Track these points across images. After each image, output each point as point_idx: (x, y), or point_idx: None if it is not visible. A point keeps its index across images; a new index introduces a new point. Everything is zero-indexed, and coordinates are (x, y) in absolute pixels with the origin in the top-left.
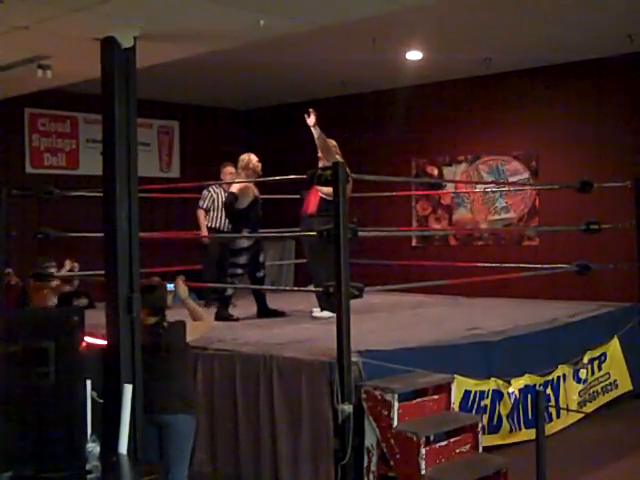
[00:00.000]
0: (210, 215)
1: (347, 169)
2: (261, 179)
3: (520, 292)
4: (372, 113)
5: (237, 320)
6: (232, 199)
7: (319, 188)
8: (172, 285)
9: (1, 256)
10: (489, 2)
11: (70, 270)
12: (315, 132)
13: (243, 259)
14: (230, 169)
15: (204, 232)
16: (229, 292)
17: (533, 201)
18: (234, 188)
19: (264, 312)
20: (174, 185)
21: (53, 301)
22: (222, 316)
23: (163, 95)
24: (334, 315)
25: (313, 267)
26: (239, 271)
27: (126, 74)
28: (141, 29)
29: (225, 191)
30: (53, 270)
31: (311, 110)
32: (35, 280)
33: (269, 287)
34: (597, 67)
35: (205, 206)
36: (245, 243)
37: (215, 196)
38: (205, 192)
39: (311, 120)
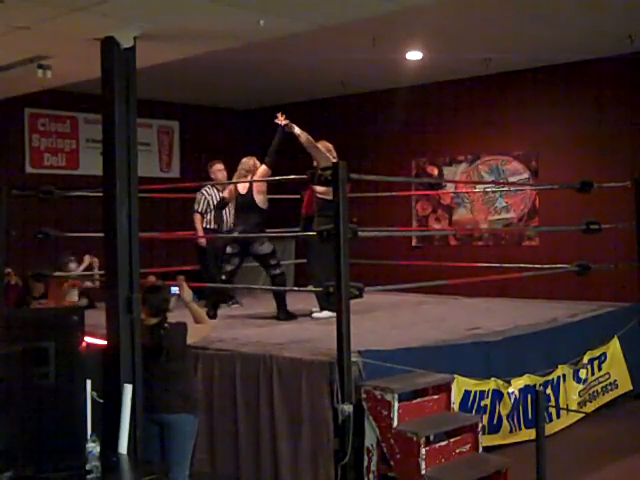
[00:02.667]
0: (207, 217)
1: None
2: (261, 179)
3: (520, 292)
4: (372, 113)
5: (296, 318)
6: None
7: (315, 188)
8: (176, 288)
9: (1, 256)
10: (489, 2)
11: (89, 265)
12: (296, 132)
13: (277, 258)
14: (219, 166)
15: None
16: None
17: (533, 201)
18: (259, 192)
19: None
20: (174, 185)
21: (72, 296)
22: (288, 316)
23: (163, 95)
24: (334, 315)
25: (312, 267)
26: (283, 269)
27: (126, 74)
28: (141, 29)
29: (219, 191)
30: (73, 265)
31: (279, 114)
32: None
33: (269, 287)
34: (597, 67)
35: (200, 209)
36: (271, 245)
37: (209, 198)
38: (199, 195)
39: (281, 120)
